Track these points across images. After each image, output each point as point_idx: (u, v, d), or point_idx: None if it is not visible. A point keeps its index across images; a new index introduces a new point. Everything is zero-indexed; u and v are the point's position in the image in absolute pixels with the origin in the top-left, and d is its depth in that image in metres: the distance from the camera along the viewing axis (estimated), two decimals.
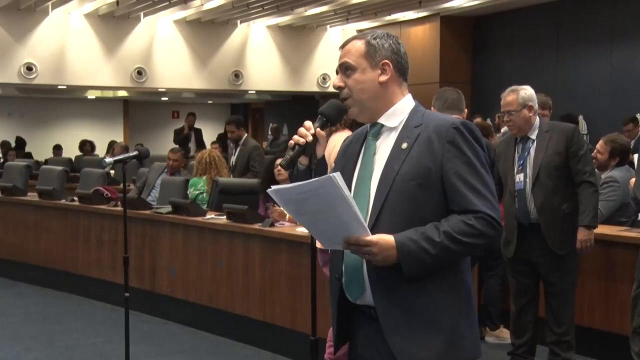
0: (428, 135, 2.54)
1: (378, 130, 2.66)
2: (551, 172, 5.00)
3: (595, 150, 6.43)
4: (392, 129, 2.63)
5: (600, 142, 6.44)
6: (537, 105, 5.17)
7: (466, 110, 5.20)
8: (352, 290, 2.63)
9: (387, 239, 2.44)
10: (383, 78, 2.64)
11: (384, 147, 2.62)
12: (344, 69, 2.68)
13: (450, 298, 2.55)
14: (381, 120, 2.65)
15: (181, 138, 15.25)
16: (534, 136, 5.10)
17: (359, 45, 2.66)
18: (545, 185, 5.00)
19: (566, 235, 5.03)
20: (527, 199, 5.03)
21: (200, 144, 15.27)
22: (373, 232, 2.48)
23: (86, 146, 16.75)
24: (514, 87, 5.20)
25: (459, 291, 2.57)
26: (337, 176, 2.33)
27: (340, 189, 2.35)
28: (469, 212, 2.48)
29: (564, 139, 5.02)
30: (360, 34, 2.72)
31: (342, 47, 2.73)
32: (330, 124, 2.70)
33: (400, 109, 2.64)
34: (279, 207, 5.42)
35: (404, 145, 2.56)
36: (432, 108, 4.79)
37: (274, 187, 2.43)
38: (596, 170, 6.62)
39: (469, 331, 2.58)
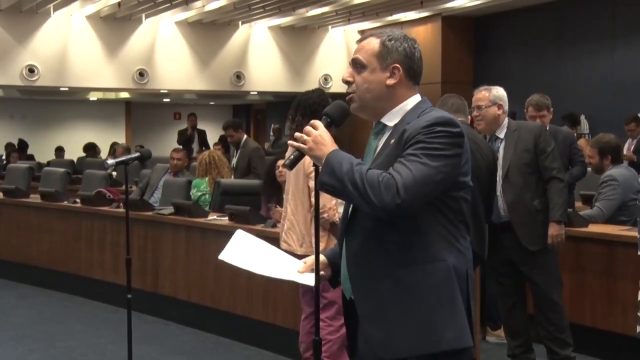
0: (408, 128, 2.56)
1: (381, 129, 2.70)
2: (521, 169, 5.07)
3: (587, 158, 6.45)
4: (390, 128, 2.67)
5: (587, 148, 6.46)
6: (507, 106, 5.24)
7: (470, 117, 5.23)
8: (345, 287, 2.72)
9: (329, 142, 2.57)
10: (390, 82, 2.65)
11: (381, 143, 2.68)
12: (355, 64, 2.69)
13: (426, 286, 2.54)
14: (384, 120, 2.68)
15: (185, 139, 15.26)
16: (502, 135, 5.17)
17: (374, 44, 2.66)
18: (514, 182, 5.06)
19: (538, 231, 5.07)
20: (497, 196, 5.06)
21: (205, 145, 15.31)
22: (351, 222, 2.64)
23: (90, 151, 16.74)
24: (486, 86, 5.27)
25: (438, 279, 2.55)
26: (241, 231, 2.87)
27: (248, 235, 2.85)
28: (388, 172, 2.49)
29: (532, 136, 5.10)
30: (379, 31, 2.71)
31: (360, 40, 2.74)
32: (335, 125, 2.72)
33: (403, 109, 2.66)
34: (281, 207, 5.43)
35: (392, 141, 2.61)
36: None
37: (223, 256, 2.83)
38: (594, 174, 6.63)
39: (450, 321, 2.55)
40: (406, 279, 2.54)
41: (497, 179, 5.05)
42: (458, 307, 2.57)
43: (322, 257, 2.80)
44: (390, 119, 2.67)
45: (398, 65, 2.64)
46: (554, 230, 5.02)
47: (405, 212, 2.48)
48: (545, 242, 5.05)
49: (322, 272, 2.78)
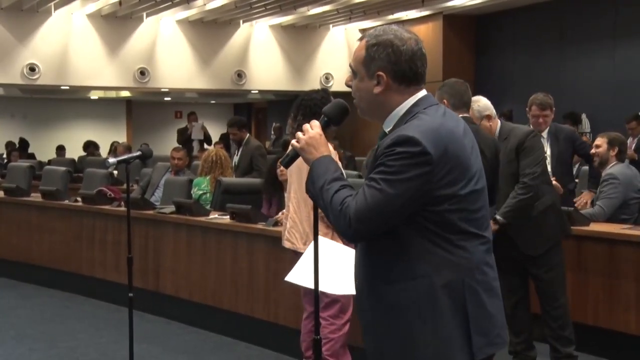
0: (380, 144, 2.54)
1: (383, 134, 2.67)
2: (508, 179, 4.98)
3: (593, 148, 6.45)
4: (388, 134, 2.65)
5: (597, 137, 6.49)
6: (494, 111, 5.15)
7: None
8: None
9: (322, 146, 2.60)
10: (377, 90, 2.58)
11: None
12: (351, 70, 2.66)
13: (406, 304, 2.51)
14: (384, 126, 2.66)
15: (185, 138, 15.29)
16: None
17: (361, 49, 2.60)
18: (504, 193, 4.99)
19: (538, 235, 5.04)
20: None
21: (207, 140, 15.40)
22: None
23: (90, 148, 16.78)
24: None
25: (419, 296, 2.50)
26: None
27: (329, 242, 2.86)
28: (350, 199, 2.49)
29: (515, 143, 5.02)
30: (370, 33, 2.63)
31: (359, 40, 2.68)
32: (334, 124, 2.70)
33: (397, 115, 2.60)
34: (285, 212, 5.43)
35: None
36: (443, 102, 4.77)
37: (288, 279, 2.92)
38: (596, 167, 6.63)
39: (432, 338, 2.50)
40: (388, 295, 2.54)
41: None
42: (440, 324, 2.50)
43: None
44: (388, 125, 2.63)
45: (382, 73, 2.56)
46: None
47: (363, 239, 2.52)
48: (547, 245, 5.03)
49: None
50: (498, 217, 4.97)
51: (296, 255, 4.62)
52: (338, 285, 2.88)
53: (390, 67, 2.55)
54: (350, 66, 2.66)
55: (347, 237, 2.54)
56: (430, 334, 2.50)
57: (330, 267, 2.89)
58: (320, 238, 2.91)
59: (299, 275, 2.85)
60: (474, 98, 5.14)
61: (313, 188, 2.56)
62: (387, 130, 2.62)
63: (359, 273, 2.65)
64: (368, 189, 2.46)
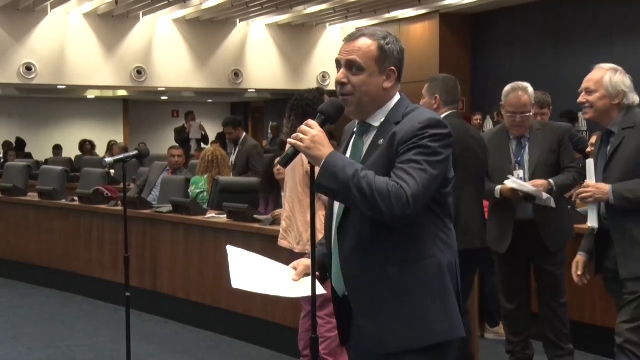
0: (399, 131, 2.59)
1: (367, 128, 2.72)
2: (547, 169, 5.03)
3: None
4: (375, 127, 2.69)
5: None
6: None
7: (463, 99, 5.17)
8: (337, 285, 2.76)
9: (327, 143, 2.56)
10: (387, 84, 2.69)
11: (367, 143, 2.70)
12: (351, 66, 2.68)
13: (418, 283, 2.59)
14: (369, 120, 2.71)
15: (183, 137, 15.29)
16: (527, 133, 5.10)
17: (371, 46, 2.67)
18: None
19: (558, 231, 5.07)
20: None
21: (205, 140, 15.39)
22: (344, 221, 2.65)
23: (86, 145, 16.76)
24: (520, 85, 5.12)
25: (430, 275, 2.60)
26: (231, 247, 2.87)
27: (239, 250, 2.85)
28: (394, 181, 2.50)
29: (557, 137, 5.08)
30: (370, 32, 2.70)
31: (351, 40, 2.70)
32: (330, 122, 2.71)
33: (387, 108, 2.70)
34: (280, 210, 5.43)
35: (380, 142, 2.63)
36: (436, 97, 4.78)
37: (237, 284, 2.73)
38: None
39: (443, 314, 2.61)
40: (399, 276, 2.59)
41: (526, 176, 5.04)
42: (450, 300, 2.64)
43: (307, 261, 2.79)
44: (376, 119, 2.70)
45: (394, 69, 2.69)
46: (539, 182, 4.96)
47: (411, 220, 2.53)
48: (562, 243, 5.08)
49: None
50: (552, 181, 4.99)
51: (292, 255, 4.63)
52: (286, 288, 2.83)
53: (399, 64, 2.71)
54: (351, 62, 2.67)
55: (398, 219, 2.50)
56: (441, 311, 2.61)
57: (262, 272, 2.85)
58: (230, 248, 2.90)
59: (241, 280, 2.79)
60: (525, 84, 5.13)
61: (336, 181, 2.51)
62: (376, 124, 2.69)
63: (356, 257, 2.64)
64: (414, 171, 2.51)
